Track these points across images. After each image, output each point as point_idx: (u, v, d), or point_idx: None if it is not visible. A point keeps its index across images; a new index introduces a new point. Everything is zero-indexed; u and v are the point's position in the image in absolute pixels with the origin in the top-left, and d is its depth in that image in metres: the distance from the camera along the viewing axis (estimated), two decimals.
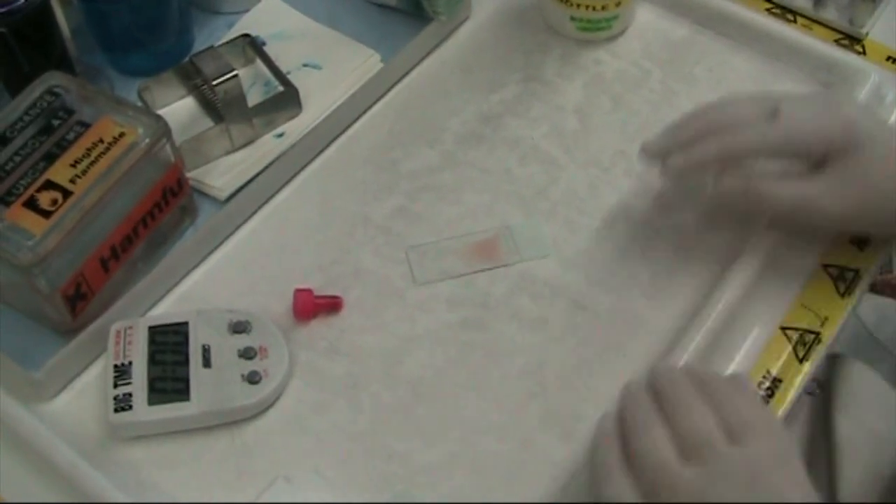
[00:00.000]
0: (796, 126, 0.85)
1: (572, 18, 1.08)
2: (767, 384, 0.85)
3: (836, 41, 1.07)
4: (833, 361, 0.91)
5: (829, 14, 1.08)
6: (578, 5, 1.06)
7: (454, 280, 0.92)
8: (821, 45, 1.06)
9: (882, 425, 0.89)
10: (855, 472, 0.86)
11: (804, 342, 0.87)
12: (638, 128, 1.02)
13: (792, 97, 0.87)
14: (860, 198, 0.84)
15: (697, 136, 0.87)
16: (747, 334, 0.87)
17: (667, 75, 1.07)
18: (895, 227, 0.83)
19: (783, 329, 0.88)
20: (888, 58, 1.05)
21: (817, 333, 0.87)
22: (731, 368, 0.85)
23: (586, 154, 1.00)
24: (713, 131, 0.86)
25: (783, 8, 1.10)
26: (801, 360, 0.86)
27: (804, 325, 0.88)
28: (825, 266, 0.91)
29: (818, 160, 0.85)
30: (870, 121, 0.85)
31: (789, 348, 0.87)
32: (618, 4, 1.06)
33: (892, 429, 0.91)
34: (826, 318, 0.88)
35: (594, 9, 1.06)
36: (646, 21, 1.12)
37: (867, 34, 1.07)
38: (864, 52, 1.06)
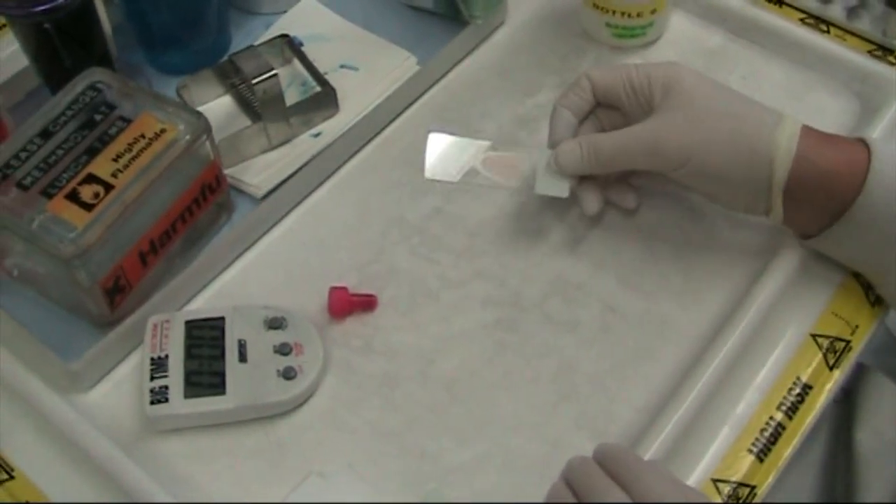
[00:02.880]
0: (601, 76, 0.91)
1: (608, 25, 1.09)
2: (797, 391, 0.85)
3: (870, 52, 1.07)
4: (856, 372, 0.91)
5: (863, 25, 1.09)
6: (614, 12, 1.07)
7: (488, 281, 0.93)
8: (854, 56, 1.06)
9: None
10: (874, 484, 0.86)
11: (834, 350, 0.87)
12: None
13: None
14: (687, 126, 0.86)
15: None
16: (778, 341, 0.88)
17: None
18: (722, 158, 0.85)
19: (813, 336, 0.88)
20: None
21: (847, 341, 0.88)
22: (762, 374, 0.86)
23: None
24: None
25: (817, 18, 1.11)
26: (831, 368, 0.86)
27: (834, 333, 0.88)
28: (856, 274, 0.91)
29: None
30: (689, 72, 0.89)
31: (819, 356, 0.87)
32: (653, 12, 1.07)
33: None
34: (856, 327, 0.89)
35: (630, 16, 1.07)
36: (680, 28, 1.12)
37: None
38: None
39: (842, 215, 0.82)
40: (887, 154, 0.80)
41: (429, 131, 0.96)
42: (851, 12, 1.09)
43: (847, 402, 0.91)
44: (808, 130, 0.84)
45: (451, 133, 0.96)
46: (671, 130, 0.85)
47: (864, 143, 0.83)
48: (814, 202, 0.83)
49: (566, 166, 0.89)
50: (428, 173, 0.95)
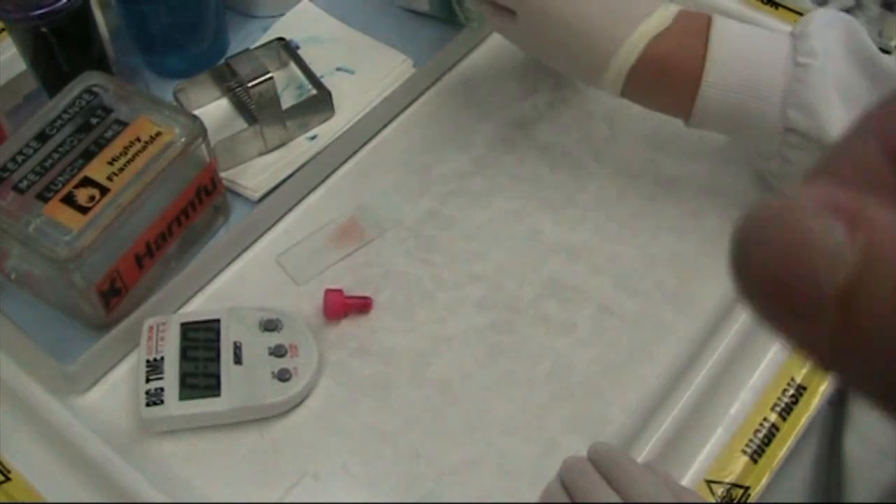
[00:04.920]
0: None
1: None
2: (792, 392, 0.85)
3: None
4: None
5: None
6: None
7: (483, 283, 0.93)
8: None
9: (891, 443, 0.89)
10: (860, 489, 0.86)
11: None
12: (668, 136, 1.03)
13: None
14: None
15: None
16: (772, 342, 0.87)
17: None
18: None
19: None
20: None
21: None
22: (756, 375, 0.86)
23: (616, 161, 1.01)
24: None
25: (789, 10, 1.11)
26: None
27: None
28: None
29: None
30: None
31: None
32: None
33: None
34: None
35: None
36: None
37: None
38: None
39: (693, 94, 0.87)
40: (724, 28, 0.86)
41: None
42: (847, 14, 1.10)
43: (840, 406, 0.91)
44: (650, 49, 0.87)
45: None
46: None
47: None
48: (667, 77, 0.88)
49: None
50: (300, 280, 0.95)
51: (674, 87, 0.87)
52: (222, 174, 0.96)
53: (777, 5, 1.13)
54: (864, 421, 0.85)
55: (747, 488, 0.81)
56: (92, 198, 0.83)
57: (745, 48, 0.85)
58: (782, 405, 0.85)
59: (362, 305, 0.91)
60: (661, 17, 0.86)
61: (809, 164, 0.83)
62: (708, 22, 0.86)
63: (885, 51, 1.07)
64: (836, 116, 0.81)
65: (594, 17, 0.87)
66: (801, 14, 1.11)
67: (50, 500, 0.81)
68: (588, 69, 0.90)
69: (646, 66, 0.87)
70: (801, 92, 0.82)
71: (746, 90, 0.84)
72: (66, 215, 0.82)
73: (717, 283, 0.92)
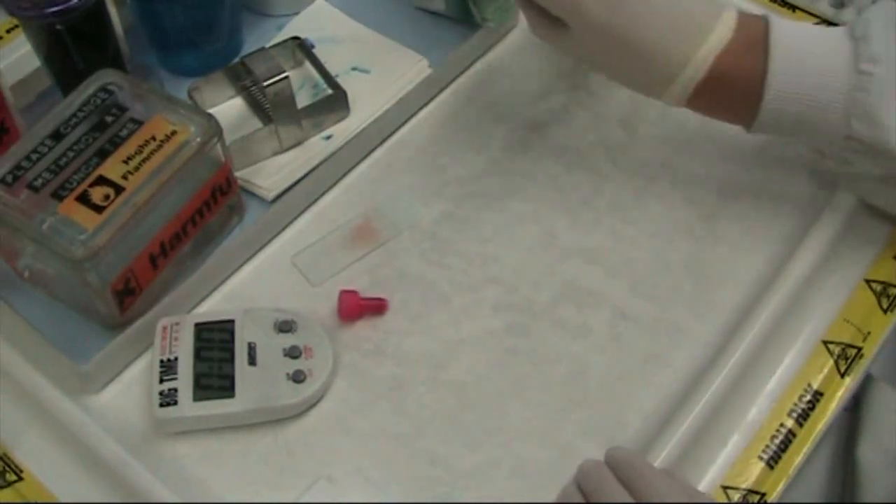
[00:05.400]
0: None
1: None
2: (808, 398, 0.85)
3: None
4: (863, 383, 0.91)
5: (849, 17, 1.09)
6: None
7: (499, 286, 0.93)
8: None
9: None
10: (875, 495, 0.85)
11: (846, 357, 0.87)
12: (683, 140, 1.02)
13: None
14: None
15: None
16: (789, 347, 0.87)
17: None
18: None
19: (825, 343, 0.88)
20: None
21: (859, 348, 0.88)
22: (774, 381, 0.85)
23: (632, 164, 1.01)
24: None
25: (830, 24, 1.10)
26: (842, 375, 0.86)
27: (846, 340, 0.88)
28: (868, 281, 0.91)
29: None
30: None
31: (831, 362, 0.87)
32: None
33: None
34: (868, 334, 0.89)
35: None
36: None
37: None
38: None
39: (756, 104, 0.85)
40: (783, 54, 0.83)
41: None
42: (838, 5, 1.10)
43: (855, 413, 0.91)
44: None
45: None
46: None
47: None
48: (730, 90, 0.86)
49: None
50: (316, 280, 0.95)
51: (737, 99, 0.86)
52: (237, 174, 0.96)
53: (794, 8, 1.12)
54: (879, 427, 0.85)
55: (763, 494, 0.80)
56: (107, 197, 0.82)
57: (806, 56, 0.83)
58: (799, 411, 0.84)
59: (377, 307, 0.91)
60: (723, 30, 0.84)
61: (869, 166, 0.84)
62: (766, 28, 0.84)
63: None
64: None
65: (658, 33, 0.84)
66: (819, 18, 1.11)
67: (62, 500, 0.82)
68: (650, 84, 0.88)
69: (710, 81, 0.85)
70: (864, 101, 0.81)
71: (808, 100, 0.83)
72: (81, 214, 0.81)
73: (734, 287, 0.92)
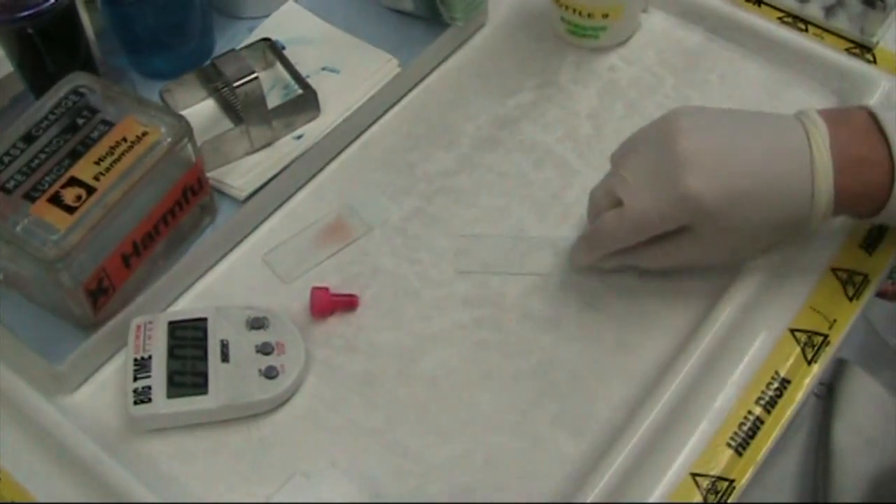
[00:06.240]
0: (640, 218, 0.84)
1: (562, 19, 1.10)
2: (776, 385, 0.86)
3: (848, 50, 1.08)
4: (837, 367, 0.92)
5: (841, 23, 1.10)
6: (567, 7, 1.08)
7: (469, 280, 0.93)
8: (832, 54, 1.07)
9: (878, 433, 0.90)
10: (848, 480, 0.86)
11: (812, 344, 0.88)
12: None
13: (630, 178, 0.86)
14: (718, 252, 0.87)
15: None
16: (756, 335, 0.88)
17: (680, 82, 1.08)
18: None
19: (792, 331, 0.89)
20: None
21: (825, 336, 0.89)
22: (741, 368, 0.86)
23: (600, 159, 1.01)
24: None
25: (795, 17, 1.12)
26: (809, 362, 0.87)
27: (813, 328, 0.89)
28: (834, 270, 0.92)
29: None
30: (714, 191, 0.82)
31: (798, 350, 0.88)
32: (605, 16, 1.08)
33: (887, 437, 0.91)
34: (834, 321, 0.90)
35: (581, 14, 1.08)
36: (660, 29, 1.13)
37: (878, 43, 1.08)
38: (874, 61, 1.08)
39: (881, 208, 0.84)
40: None
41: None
42: (829, 11, 1.10)
43: (829, 398, 0.92)
44: (834, 150, 0.82)
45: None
46: (706, 250, 0.87)
47: (880, 133, 0.82)
48: (851, 210, 0.86)
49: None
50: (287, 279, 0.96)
51: (865, 205, 0.85)
52: (209, 174, 0.96)
53: (760, 2, 1.13)
54: (853, 411, 0.86)
55: (732, 481, 0.81)
56: (79, 197, 0.83)
57: None
58: (767, 398, 0.85)
59: (348, 303, 0.92)
60: (819, 147, 0.82)
61: None
62: (868, 115, 0.84)
63: (867, 47, 1.08)
64: None
65: (778, 192, 0.83)
66: (783, 12, 1.12)
67: (39, 500, 0.82)
68: (789, 234, 0.89)
69: (839, 202, 0.83)
70: None
71: None
72: (54, 215, 0.82)
73: (703, 277, 0.93)
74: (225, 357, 0.85)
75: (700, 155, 0.82)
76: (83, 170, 0.85)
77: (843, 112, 0.85)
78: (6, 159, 0.85)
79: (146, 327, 0.87)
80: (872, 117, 0.83)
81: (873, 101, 1.00)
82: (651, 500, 0.80)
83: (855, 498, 0.84)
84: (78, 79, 0.91)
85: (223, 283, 0.95)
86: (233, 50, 1.02)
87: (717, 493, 0.80)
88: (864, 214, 0.86)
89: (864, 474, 0.84)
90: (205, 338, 0.86)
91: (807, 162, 0.82)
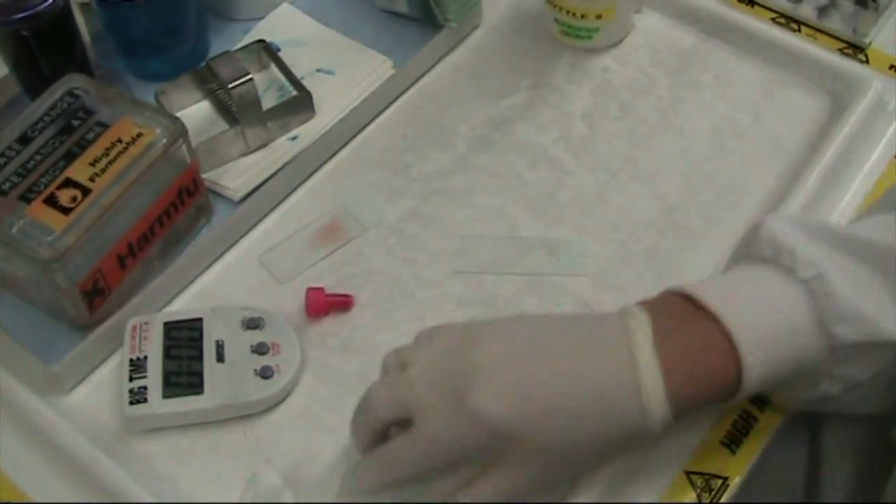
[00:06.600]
0: (434, 446, 0.71)
1: (556, 20, 1.10)
2: None
3: (840, 50, 1.09)
4: None
5: (834, 23, 1.10)
6: (560, 8, 1.08)
7: (463, 280, 0.94)
8: (825, 54, 1.07)
9: (864, 432, 0.89)
10: (836, 479, 0.86)
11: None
12: (645, 134, 1.04)
13: (419, 384, 0.73)
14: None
15: None
16: None
17: (674, 83, 1.08)
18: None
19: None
20: (891, 66, 1.07)
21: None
22: None
23: (594, 159, 1.02)
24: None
25: (788, 18, 1.12)
26: None
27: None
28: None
29: None
30: (511, 409, 0.70)
31: None
32: (598, 17, 1.08)
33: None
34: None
35: (574, 15, 1.08)
36: (654, 30, 1.14)
37: (870, 43, 1.09)
38: (867, 61, 1.08)
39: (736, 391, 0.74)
40: (756, 361, 0.72)
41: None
42: (822, 11, 1.11)
43: None
44: (672, 382, 0.71)
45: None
46: (523, 483, 0.71)
47: (727, 341, 0.72)
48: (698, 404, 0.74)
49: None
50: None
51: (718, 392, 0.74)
52: (204, 175, 0.97)
53: (753, 3, 1.14)
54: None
55: (726, 479, 0.81)
56: (74, 199, 0.83)
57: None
58: (760, 396, 0.85)
59: (343, 303, 0.92)
60: (640, 343, 0.72)
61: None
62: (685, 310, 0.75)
63: (860, 47, 1.08)
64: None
65: (598, 400, 0.71)
66: (777, 13, 1.12)
67: (35, 500, 0.82)
68: (630, 446, 0.75)
69: (677, 400, 0.72)
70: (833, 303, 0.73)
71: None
72: (49, 216, 0.82)
73: (695, 278, 0.92)
74: (220, 357, 0.86)
75: (497, 365, 0.72)
76: (78, 171, 0.85)
77: (657, 300, 0.77)
78: (1, 161, 0.86)
79: (142, 328, 0.87)
80: (688, 298, 0.75)
81: (866, 100, 1.00)
82: (644, 501, 0.80)
83: (844, 495, 0.84)
84: (73, 81, 0.91)
85: (219, 284, 0.95)
86: (227, 51, 1.02)
87: (710, 490, 0.81)
88: (720, 399, 0.75)
89: (854, 474, 0.84)
90: (200, 338, 0.87)
91: (627, 361, 0.71)
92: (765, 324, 0.73)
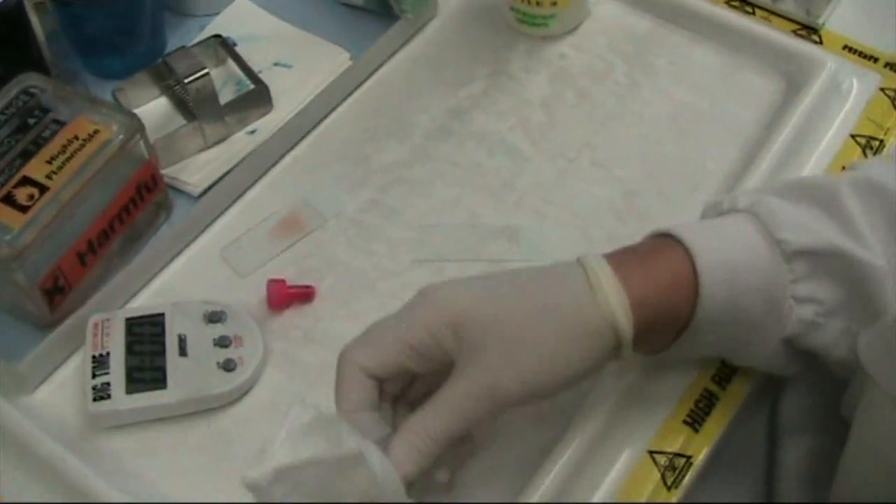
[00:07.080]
0: (373, 360, 0.74)
1: (511, 8, 1.11)
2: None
3: (794, 32, 1.09)
4: None
5: (787, 6, 1.10)
6: None
7: (425, 269, 0.94)
8: (779, 36, 1.08)
9: (821, 404, 0.89)
10: (789, 453, 0.86)
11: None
12: (603, 119, 1.04)
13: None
14: (506, 358, 0.71)
15: None
16: None
17: (631, 68, 1.09)
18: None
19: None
20: (844, 46, 1.08)
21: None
22: None
23: (552, 146, 1.03)
24: None
25: (742, 1, 1.13)
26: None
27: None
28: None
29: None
30: (472, 299, 0.72)
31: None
32: (553, 4, 1.08)
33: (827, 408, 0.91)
34: None
35: (529, 2, 1.09)
36: (610, 15, 1.14)
37: (823, 24, 1.09)
38: (820, 42, 1.09)
39: (681, 333, 0.76)
40: (708, 259, 0.74)
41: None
42: None
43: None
44: (623, 271, 0.74)
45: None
46: (494, 373, 0.70)
47: (678, 245, 0.75)
48: (656, 333, 0.76)
49: (412, 472, 0.69)
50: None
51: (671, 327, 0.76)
52: (163, 171, 0.97)
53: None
54: (800, 383, 0.87)
55: (689, 457, 0.82)
56: (31, 196, 0.83)
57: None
58: (722, 375, 0.86)
59: (304, 294, 0.92)
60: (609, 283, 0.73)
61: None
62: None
63: (813, 29, 1.09)
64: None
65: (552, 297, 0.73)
66: (752, 5, 1.13)
67: (3, 500, 0.82)
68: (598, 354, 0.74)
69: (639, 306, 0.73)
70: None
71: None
72: (6, 215, 0.82)
73: None
74: (183, 351, 0.86)
75: (453, 282, 0.74)
76: (35, 169, 0.85)
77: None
78: None
79: (104, 324, 0.87)
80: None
81: (820, 80, 1.01)
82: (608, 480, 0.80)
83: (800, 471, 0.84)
84: (28, 79, 0.91)
85: (180, 279, 0.95)
86: (184, 47, 1.02)
87: (674, 468, 0.81)
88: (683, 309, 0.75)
89: (810, 447, 0.84)
90: (162, 333, 0.87)
91: (580, 273, 0.74)
92: (716, 235, 0.76)
